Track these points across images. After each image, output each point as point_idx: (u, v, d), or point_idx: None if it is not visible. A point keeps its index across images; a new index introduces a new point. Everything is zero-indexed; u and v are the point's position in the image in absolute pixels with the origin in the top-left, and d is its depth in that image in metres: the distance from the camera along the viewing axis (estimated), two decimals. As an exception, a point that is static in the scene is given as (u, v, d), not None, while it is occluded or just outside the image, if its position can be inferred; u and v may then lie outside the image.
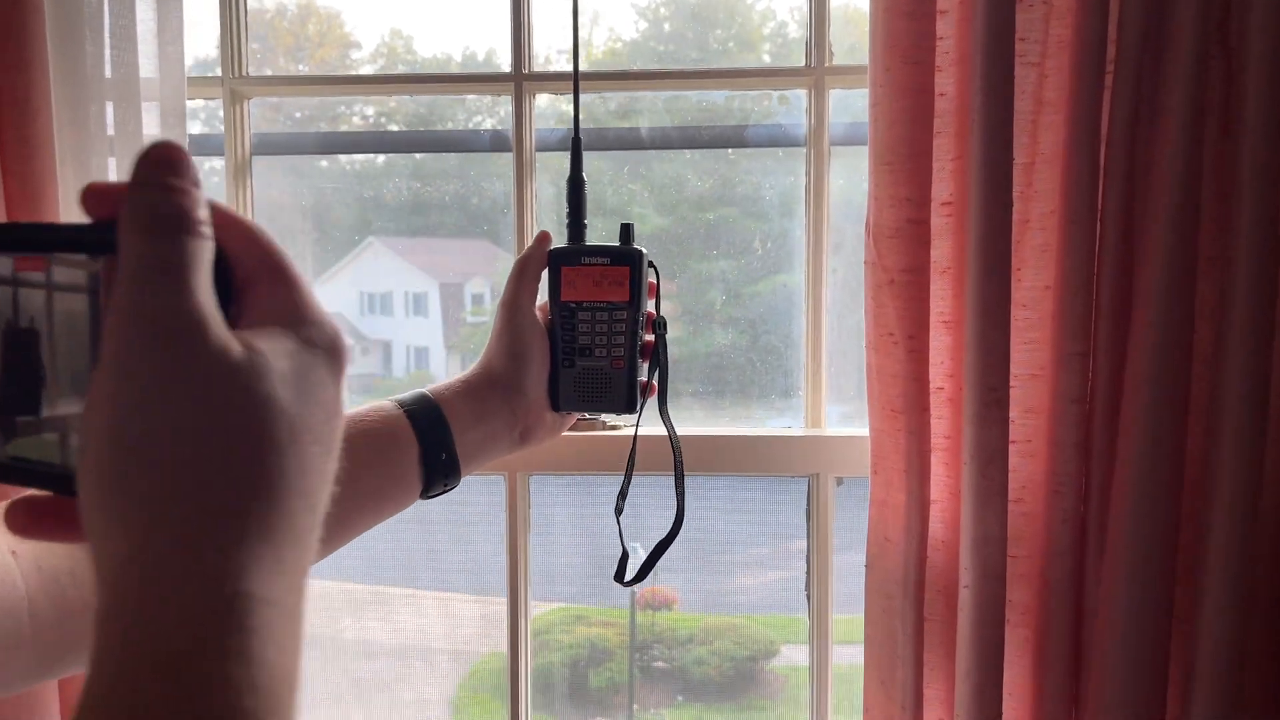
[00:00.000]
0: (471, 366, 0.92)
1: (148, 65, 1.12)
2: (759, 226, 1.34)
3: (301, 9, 1.39)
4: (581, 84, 1.24)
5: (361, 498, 0.81)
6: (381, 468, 0.81)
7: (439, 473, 0.83)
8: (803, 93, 1.24)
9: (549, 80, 1.24)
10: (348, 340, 0.43)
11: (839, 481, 1.23)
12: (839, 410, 1.27)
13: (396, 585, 1.47)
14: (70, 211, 1.08)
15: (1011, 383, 1.02)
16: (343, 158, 1.38)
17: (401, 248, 1.34)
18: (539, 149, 1.26)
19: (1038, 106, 0.98)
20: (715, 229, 1.35)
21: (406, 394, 0.86)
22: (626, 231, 0.96)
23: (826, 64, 1.21)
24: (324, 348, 0.42)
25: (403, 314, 1.52)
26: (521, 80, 1.23)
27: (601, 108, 1.35)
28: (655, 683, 1.57)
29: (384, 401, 0.84)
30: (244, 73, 1.25)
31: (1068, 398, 0.97)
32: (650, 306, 0.98)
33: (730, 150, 1.34)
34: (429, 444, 0.82)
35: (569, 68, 1.03)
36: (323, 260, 1.43)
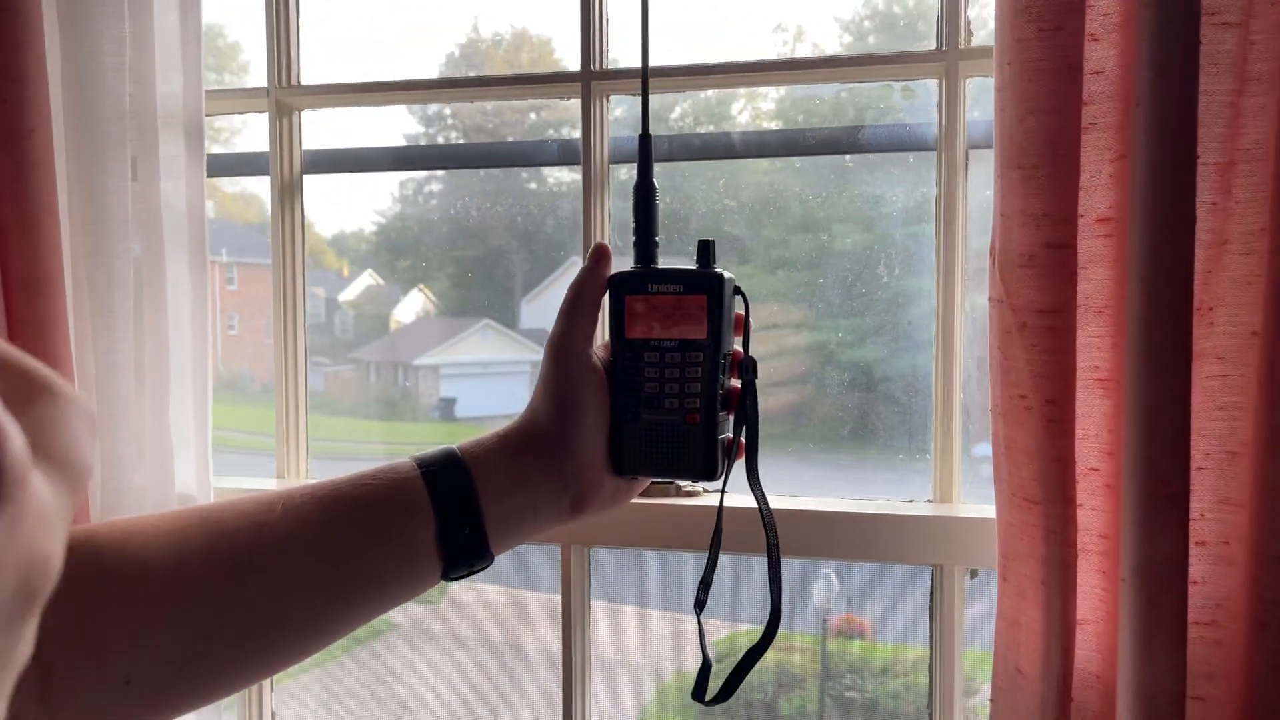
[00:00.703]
0: (515, 419, 0.73)
1: (172, 79, 1.00)
2: (880, 248, 1.10)
3: (516, 37, 1.32)
4: (663, 81, 1.05)
5: (359, 581, 0.64)
6: (386, 545, 0.64)
7: (462, 552, 0.66)
8: (932, 83, 1.00)
9: (621, 79, 1.04)
10: (19, 458, 0.25)
11: (973, 574, 0.97)
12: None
13: (590, 598, 1.42)
14: (76, 236, 0.97)
15: (1201, 463, 0.74)
16: (550, 178, 1.29)
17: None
18: (614, 161, 1.07)
19: (1239, 84, 0.71)
20: (827, 249, 1.12)
21: (432, 451, 0.68)
22: (705, 250, 0.74)
23: (962, 45, 0.96)
24: None
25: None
26: (590, 80, 1.04)
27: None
28: (847, 713, 1.50)
29: (401, 460, 0.67)
30: (293, 82, 1.12)
31: (1281, 492, 0.69)
32: (737, 344, 0.76)
33: (848, 157, 1.11)
34: (449, 516, 0.65)
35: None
36: (531, 278, 1.39)
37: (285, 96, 1.12)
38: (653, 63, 0.99)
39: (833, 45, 1.22)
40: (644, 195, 0.76)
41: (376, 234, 1.47)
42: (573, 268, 1.33)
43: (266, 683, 1.15)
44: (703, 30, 1.12)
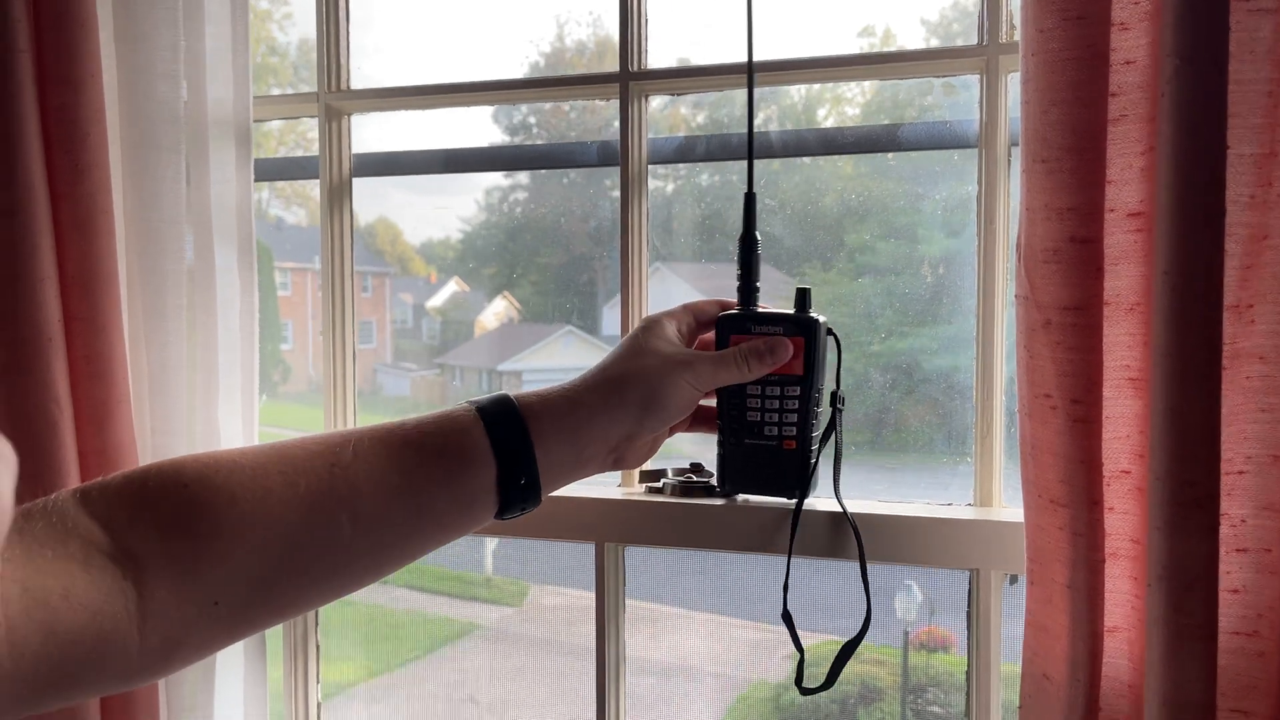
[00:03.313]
0: (579, 381, 0.79)
1: (223, 85, 1.04)
2: (922, 249, 1.08)
3: (600, 45, 1.37)
4: (694, 81, 1.05)
5: (422, 520, 0.71)
6: (450, 489, 0.71)
7: (517, 497, 0.73)
8: (974, 79, 0.98)
9: (660, 79, 1.05)
10: None
11: (1012, 580, 0.95)
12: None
13: (667, 604, 1.45)
14: (130, 237, 1.01)
15: (1243, 467, 0.72)
16: None
17: (687, 273, 1.31)
18: (653, 162, 1.07)
19: (1278, 73, 0.68)
20: (865, 251, 1.11)
21: (486, 399, 0.74)
22: (803, 297, 0.87)
23: (1003, 40, 0.94)
24: None
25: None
26: (629, 80, 1.05)
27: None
28: (929, 728, 1.49)
29: (459, 410, 0.73)
30: (343, 86, 1.15)
31: (1321, 497, 0.66)
32: (830, 379, 0.89)
33: (891, 155, 1.09)
34: (508, 467, 0.71)
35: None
36: (614, 285, 1.44)
37: (334, 101, 1.14)
38: (697, 62, 1.01)
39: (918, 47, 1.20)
40: (747, 247, 0.89)
41: (462, 241, 1.50)
42: (656, 275, 1.35)
43: (315, 684, 1.18)
44: (789, 35, 1.11)
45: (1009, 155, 0.96)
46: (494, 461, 0.70)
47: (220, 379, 1.04)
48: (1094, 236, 0.70)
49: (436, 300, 1.79)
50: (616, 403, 0.77)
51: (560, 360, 1.58)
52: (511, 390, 0.78)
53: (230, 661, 1.06)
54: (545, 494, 0.74)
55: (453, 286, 1.73)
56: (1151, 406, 0.65)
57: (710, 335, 0.90)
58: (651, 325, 0.83)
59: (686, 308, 0.88)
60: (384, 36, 1.31)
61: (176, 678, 1.02)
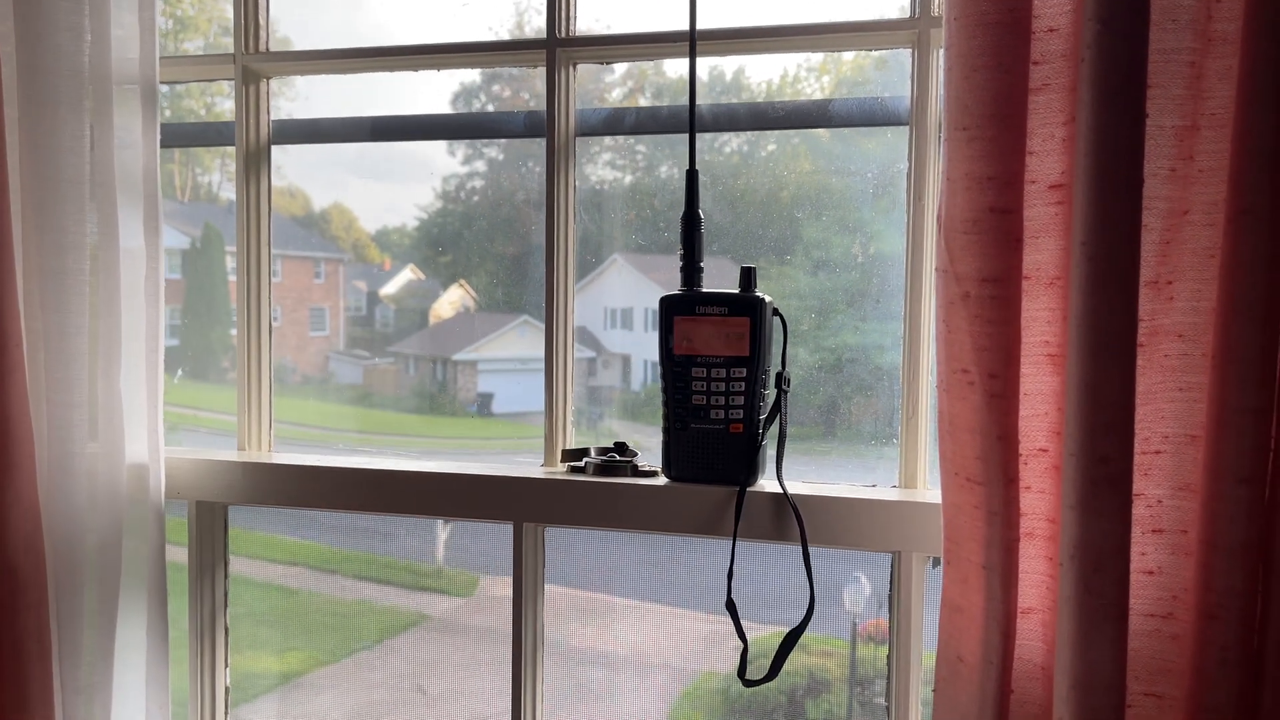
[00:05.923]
0: None
1: (128, 43, 0.99)
2: (852, 232, 1.06)
3: None
4: (625, 49, 1.02)
5: None
6: None
7: None
8: (906, 53, 0.96)
9: (588, 46, 1.02)
10: None
11: (934, 563, 0.94)
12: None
13: (620, 595, 1.43)
14: (27, 195, 0.96)
15: (1159, 446, 0.70)
16: (593, 177, 1.28)
17: (643, 265, 1.31)
18: (581, 133, 1.05)
19: (1202, 44, 0.67)
20: (798, 229, 1.08)
21: None
22: (748, 276, 0.86)
23: (935, 12, 0.93)
24: None
25: (642, 329, 1.54)
26: (556, 46, 1.02)
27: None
28: (875, 720, 1.49)
29: None
30: (261, 48, 1.11)
31: (1235, 475, 0.64)
32: (776, 360, 0.88)
33: (825, 131, 1.07)
34: None
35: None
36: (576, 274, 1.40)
37: (252, 63, 1.10)
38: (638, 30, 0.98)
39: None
40: (690, 225, 0.88)
41: (418, 229, 1.48)
42: (613, 266, 1.32)
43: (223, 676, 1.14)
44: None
45: (939, 131, 0.94)
46: None
47: (123, 348, 0.99)
48: (1014, 207, 0.68)
49: (390, 288, 1.76)
50: None
51: (516, 350, 1.56)
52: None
53: (130, 639, 1.01)
54: None
55: (408, 274, 1.70)
56: (1066, 381, 0.64)
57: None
58: None
59: None
60: (342, 26, 1.27)
61: (72, 657, 0.97)
